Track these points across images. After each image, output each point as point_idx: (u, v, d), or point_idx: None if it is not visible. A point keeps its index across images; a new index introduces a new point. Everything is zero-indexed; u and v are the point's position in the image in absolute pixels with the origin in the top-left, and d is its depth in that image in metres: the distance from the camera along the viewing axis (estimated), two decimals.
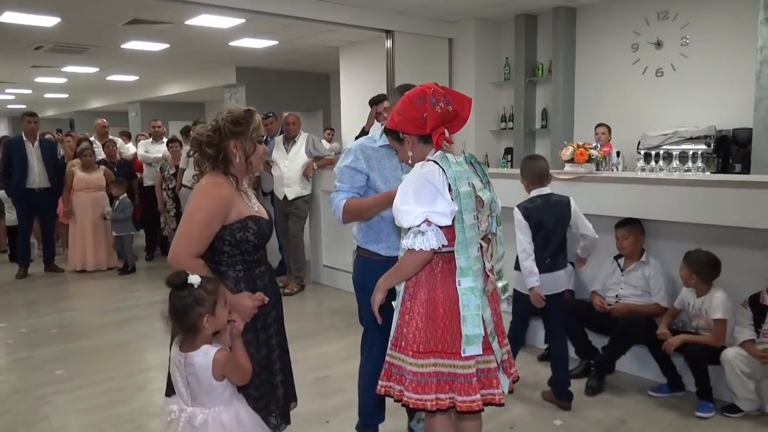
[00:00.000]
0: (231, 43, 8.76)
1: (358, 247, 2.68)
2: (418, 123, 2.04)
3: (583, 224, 3.33)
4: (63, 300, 5.73)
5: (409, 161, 2.13)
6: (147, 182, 7.52)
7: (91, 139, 7.92)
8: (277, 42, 8.76)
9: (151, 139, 7.81)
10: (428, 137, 2.07)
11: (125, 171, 7.42)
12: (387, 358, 2.12)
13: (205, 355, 1.92)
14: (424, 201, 1.96)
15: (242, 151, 2.07)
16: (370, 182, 2.53)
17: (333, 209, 2.54)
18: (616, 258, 3.67)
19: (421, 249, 1.95)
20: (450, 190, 1.99)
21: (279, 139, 5.81)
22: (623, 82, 6.73)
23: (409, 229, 2.00)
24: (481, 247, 2.12)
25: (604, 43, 6.87)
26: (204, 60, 10.38)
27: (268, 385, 2.22)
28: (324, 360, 4.01)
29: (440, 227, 1.97)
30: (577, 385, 3.49)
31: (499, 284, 2.21)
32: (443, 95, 2.03)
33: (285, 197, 5.62)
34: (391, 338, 2.14)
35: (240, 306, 2.06)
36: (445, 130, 2.08)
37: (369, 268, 2.56)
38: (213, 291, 1.92)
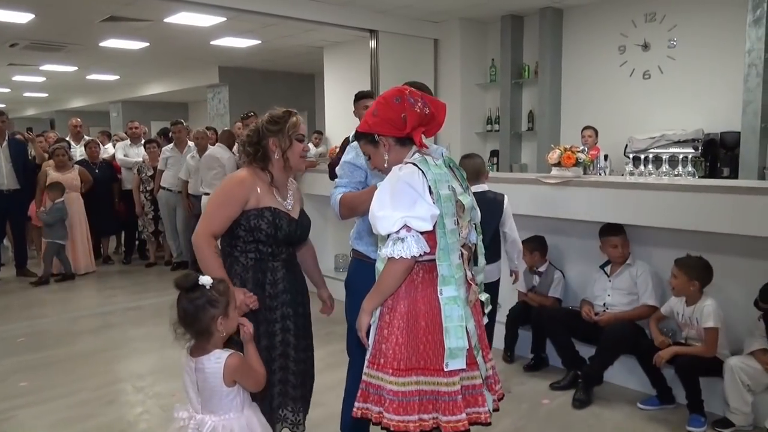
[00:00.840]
0: (213, 42, 8.59)
1: (352, 249, 2.58)
2: (397, 124, 1.92)
3: (510, 226, 3.32)
4: (35, 306, 5.52)
5: (385, 165, 2.00)
6: (126, 185, 7.29)
7: (67, 139, 7.70)
8: (259, 41, 8.60)
9: (129, 141, 7.57)
10: (405, 139, 1.96)
11: (106, 172, 7.20)
12: (364, 377, 1.97)
13: (217, 359, 1.88)
14: (402, 205, 1.83)
15: (279, 147, 2.19)
16: (369, 180, 2.43)
17: (331, 204, 2.46)
18: (603, 266, 3.57)
19: (402, 257, 1.82)
20: (431, 193, 1.87)
21: None
22: (610, 85, 6.65)
23: (388, 236, 1.87)
24: (462, 254, 2.00)
25: (591, 44, 6.79)
26: (185, 59, 10.19)
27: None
28: None
29: (421, 233, 1.85)
30: (564, 398, 3.38)
31: (482, 297, 2.09)
32: (420, 96, 1.94)
33: None
34: (367, 356, 2.00)
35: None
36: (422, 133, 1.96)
37: (359, 269, 2.48)
38: (225, 292, 1.91)
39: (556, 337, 3.58)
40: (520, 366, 3.83)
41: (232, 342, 2.02)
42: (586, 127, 6.15)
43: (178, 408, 2.04)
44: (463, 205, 1.99)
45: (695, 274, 3.04)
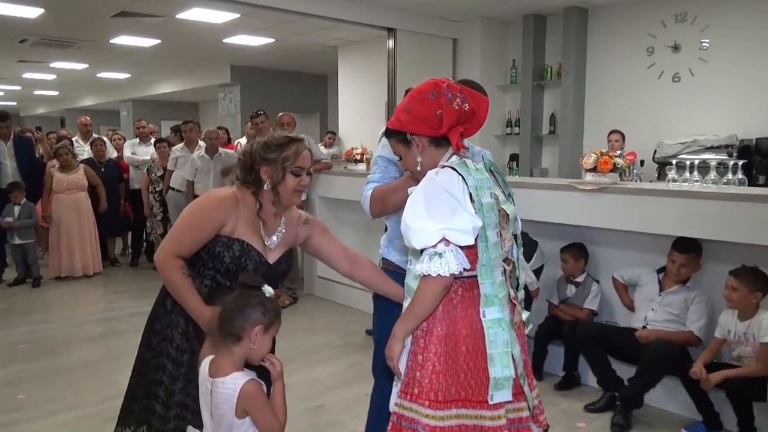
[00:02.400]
0: (225, 40, 8.39)
1: (382, 258, 2.35)
2: (431, 122, 1.69)
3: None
4: (38, 311, 5.31)
5: (418, 168, 1.76)
6: (134, 185, 7.10)
7: (75, 138, 7.52)
8: (273, 40, 8.39)
9: (137, 140, 7.38)
10: (441, 140, 1.73)
11: (113, 172, 7.01)
12: (395, 409, 1.73)
13: (234, 383, 1.66)
14: (440, 215, 1.60)
15: (270, 178, 1.91)
16: None
17: (362, 203, 2.21)
18: (659, 271, 3.30)
19: (439, 275, 1.58)
20: (472, 201, 1.63)
21: None
22: (637, 87, 6.38)
23: (423, 251, 1.63)
24: (505, 270, 1.76)
25: (617, 45, 6.53)
26: (197, 57, 10.02)
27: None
28: (317, 386, 3.60)
29: (461, 247, 1.61)
30: (600, 421, 3.13)
31: (523, 316, 1.85)
32: (459, 90, 1.70)
33: None
34: (399, 385, 1.75)
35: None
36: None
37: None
38: (276, 312, 1.74)
39: (591, 354, 3.32)
40: (551, 384, 3.57)
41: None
42: (613, 131, 5.86)
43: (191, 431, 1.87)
44: (507, 214, 1.75)
45: (757, 285, 2.78)
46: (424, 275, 1.61)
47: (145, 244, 7.40)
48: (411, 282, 1.74)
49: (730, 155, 5.34)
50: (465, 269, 1.62)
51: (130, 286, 6.21)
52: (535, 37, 7.01)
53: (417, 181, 1.78)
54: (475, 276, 1.67)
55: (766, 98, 5.44)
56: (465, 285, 1.69)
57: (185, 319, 1.93)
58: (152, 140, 7.28)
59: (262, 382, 1.73)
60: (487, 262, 1.65)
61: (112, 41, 8.44)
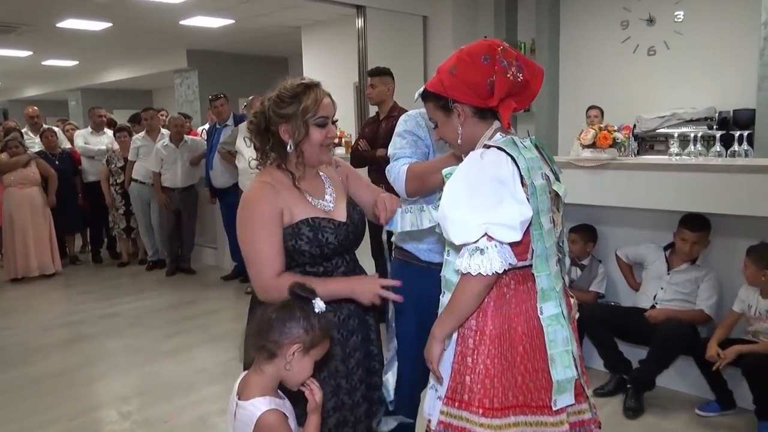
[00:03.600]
0: (182, 22, 7.96)
1: (394, 246, 2.15)
2: (480, 90, 1.48)
3: None
4: None
5: (458, 141, 1.56)
6: (89, 177, 6.64)
7: (24, 130, 7.00)
8: (233, 21, 8.01)
9: (90, 129, 6.89)
10: (487, 112, 1.52)
11: (67, 164, 6.54)
12: (441, 418, 1.55)
13: (254, 408, 1.42)
14: (483, 206, 1.40)
15: (292, 138, 1.64)
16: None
17: (392, 180, 1.97)
18: (665, 248, 3.19)
19: (480, 273, 1.39)
20: (524, 185, 1.44)
21: (243, 125, 5.13)
22: (612, 62, 6.31)
23: (464, 245, 1.44)
24: (559, 259, 1.59)
25: (591, 20, 6.43)
26: (151, 42, 9.51)
27: None
28: None
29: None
30: (611, 405, 3.03)
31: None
32: (515, 58, 1.49)
33: None
34: (444, 390, 1.56)
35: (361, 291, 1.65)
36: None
37: (404, 273, 2.03)
38: (323, 332, 1.47)
39: (597, 336, 3.21)
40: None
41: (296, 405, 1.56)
42: (592, 107, 5.80)
43: None
44: (559, 195, 1.57)
45: (766, 263, 2.70)
46: (464, 273, 1.42)
47: (106, 239, 6.98)
48: (450, 275, 1.55)
49: (710, 128, 5.34)
50: (511, 264, 1.43)
51: (94, 285, 5.83)
52: (507, 13, 6.86)
53: (458, 158, 1.59)
54: (528, 266, 1.50)
55: (742, 70, 5.43)
56: (518, 277, 1.51)
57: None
58: (105, 130, 6.83)
59: (287, 415, 1.47)
60: (542, 252, 1.47)
61: (58, 25, 7.90)
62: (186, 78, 10.63)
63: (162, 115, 7.03)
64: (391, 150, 2.05)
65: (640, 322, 3.08)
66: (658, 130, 5.68)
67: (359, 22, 6.57)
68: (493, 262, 1.38)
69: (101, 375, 3.60)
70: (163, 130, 6.13)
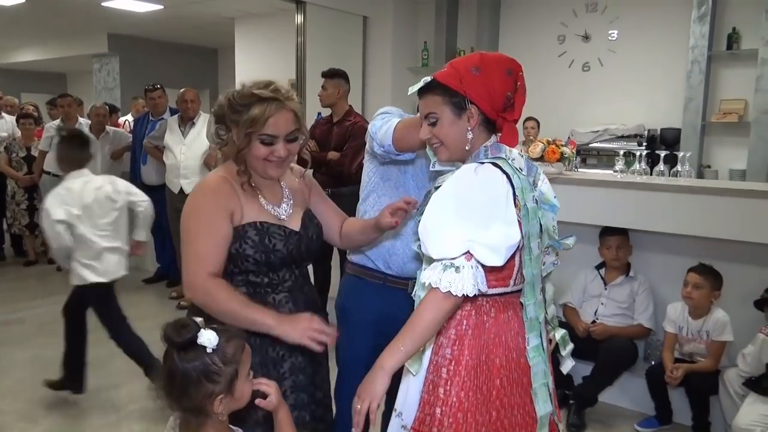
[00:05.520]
0: (104, 4, 7.41)
1: (347, 261, 2.02)
2: (497, 100, 1.40)
3: None
4: None
5: (467, 147, 1.43)
6: None
7: None
8: (161, 7, 7.55)
9: None
10: (492, 124, 1.43)
11: None
12: None
13: None
14: (470, 222, 1.29)
15: (235, 143, 1.55)
16: (400, 174, 1.89)
17: (374, 134, 1.84)
18: (598, 268, 3.23)
19: (450, 292, 1.27)
20: (516, 205, 1.34)
21: (173, 119, 4.82)
22: (549, 75, 6.42)
23: (441, 259, 1.31)
24: (543, 288, 1.50)
25: (529, 32, 6.52)
26: (69, 22, 8.82)
27: None
28: None
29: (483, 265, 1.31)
30: None
31: (557, 335, 1.60)
32: (523, 83, 1.44)
33: (181, 190, 4.64)
34: (411, 421, 1.44)
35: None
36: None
37: (357, 289, 1.96)
38: (233, 358, 1.25)
39: None
40: None
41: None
42: (529, 118, 5.88)
43: None
44: (541, 223, 1.47)
45: (718, 283, 2.76)
46: (434, 288, 1.30)
47: (8, 236, 6.37)
48: (422, 293, 1.42)
49: (640, 144, 5.53)
50: (481, 291, 1.32)
51: None
52: (447, 19, 6.85)
53: (448, 160, 1.47)
54: (509, 293, 1.40)
55: (670, 90, 5.65)
56: (498, 305, 1.41)
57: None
58: (4, 115, 6.23)
59: None
60: (531, 278, 1.38)
61: None
62: (106, 64, 9.96)
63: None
64: (374, 119, 1.91)
65: (582, 338, 3.09)
66: (591, 144, 5.83)
67: (299, 18, 6.36)
68: (466, 283, 1.28)
69: (4, 391, 3.21)
70: (82, 120, 5.66)
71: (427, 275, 1.32)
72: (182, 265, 1.54)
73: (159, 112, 5.15)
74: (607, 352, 2.95)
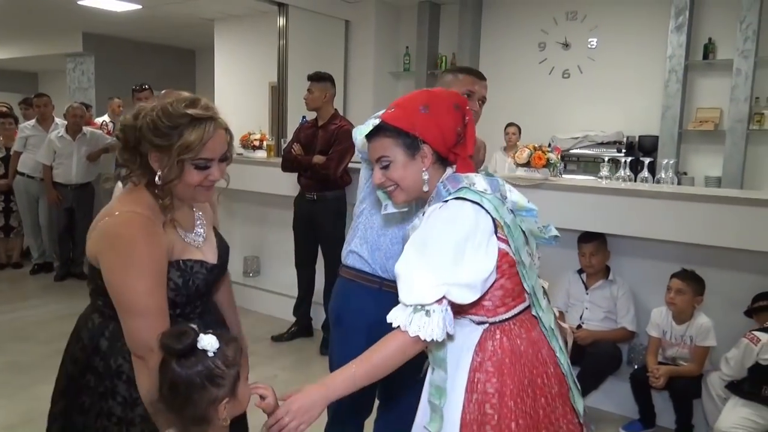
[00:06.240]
0: (81, 2, 7.27)
1: (343, 266, 1.99)
2: (448, 137, 1.38)
3: None
4: None
5: (425, 188, 1.40)
6: None
7: None
8: (139, 7, 7.42)
9: None
10: (445, 161, 1.41)
11: None
12: None
13: None
14: (443, 265, 1.27)
15: (162, 170, 1.33)
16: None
17: (358, 142, 1.83)
18: (579, 272, 3.27)
19: (418, 336, 1.24)
20: (497, 226, 1.34)
21: None
22: (529, 82, 6.49)
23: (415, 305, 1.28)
24: (545, 291, 1.51)
25: (510, 39, 6.58)
26: (42, 20, 8.61)
27: None
28: None
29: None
30: None
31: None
32: (472, 121, 1.45)
33: None
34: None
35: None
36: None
37: (353, 293, 1.93)
38: (234, 360, 1.22)
39: None
40: None
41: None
42: (510, 124, 5.94)
43: None
44: (523, 231, 1.46)
45: (701, 289, 2.81)
46: (403, 330, 1.26)
47: None
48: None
49: (619, 151, 5.61)
50: (449, 333, 1.29)
51: None
52: (429, 25, 6.88)
53: (405, 202, 1.45)
54: (528, 307, 1.41)
55: (648, 98, 5.76)
56: (526, 323, 1.42)
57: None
58: None
59: None
60: (531, 290, 1.39)
61: None
62: (80, 63, 9.76)
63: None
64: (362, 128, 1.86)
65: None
66: (571, 151, 5.90)
67: (281, 21, 6.32)
68: (435, 329, 1.24)
69: None
70: (58, 120, 5.54)
71: (395, 316, 1.28)
72: (131, 323, 1.30)
73: None
74: (591, 357, 2.99)
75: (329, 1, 6.69)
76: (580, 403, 1.45)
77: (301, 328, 4.11)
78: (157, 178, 1.34)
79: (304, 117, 4.47)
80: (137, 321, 1.29)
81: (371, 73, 6.93)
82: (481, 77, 2.11)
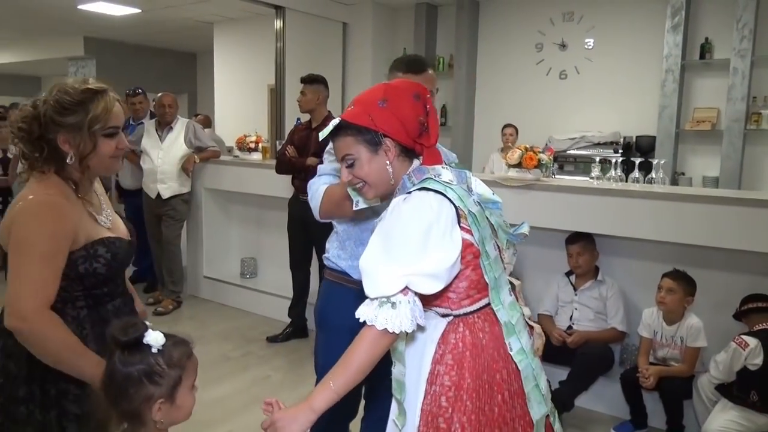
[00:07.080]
0: (81, 7, 7.32)
1: (326, 268, 2.01)
2: (411, 127, 1.38)
3: None
4: None
5: (391, 182, 1.40)
6: None
7: None
8: (139, 11, 7.47)
9: None
10: (410, 151, 1.41)
11: None
12: None
13: None
14: (405, 256, 1.27)
15: (75, 149, 1.43)
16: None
17: (309, 196, 1.88)
18: (568, 275, 3.27)
19: (386, 329, 1.25)
20: (461, 216, 1.34)
21: (150, 124, 4.77)
22: (526, 82, 6.50)
23: (378, 297, 1.28)
24: (514, 287, 1.51)
25: (507, 40, 6.59)
26: (44, 25, 8.68)
27: None
28: (220, 409, 3.15)
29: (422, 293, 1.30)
30: None
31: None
32: (434, 110, 1.45)
33: (158, 195, 4.60)
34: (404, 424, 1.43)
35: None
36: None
37: (337, 295, 1.92)
38: (179, 363, 1.23)
39: None
40: None
41: None
42: (507, 125, 5.93)
43: None
44: (491, 223, 1.47)
45: (691, 289, 2.80)
46: (370, 324, 1.26)
47: None
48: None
49: (616, 151, 5.61)
50: (420, 325, 1.30)
51: None
52: (427, 26, 6.89)
53: (375, 197, 1.47)
54: (484, 305, 1.41)
55: (645, 98, 5.76)
56: (490, 317, 1.41)
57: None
58: None
59: None
60: (494, 283, 1.38)
61: None
62: (82, 67, 9.83)
63: None
64: (321, 166, 1.94)
65: (559, 344, 3.12)
66: (568, 151, 5.90)
67: (278, 23, 6.35)
68: (403, 320, 1.25)
69: None
70: None
71: (362, 311, 1.27)
72: (12, 288, 1.36)
73: (140, 117, 5.10)
74: (583, 358, 2.99)
75: (326, 4, 6.72)
76: (536, 413, 1.40)
77: (296, 329, 4.13)
78: (69, 159, 1.43)
79: (298, 119, 4.49)
80: (15, 288, 1.35)
81: (369, 74, 6.94)
82: (420, 70, 1.90)
